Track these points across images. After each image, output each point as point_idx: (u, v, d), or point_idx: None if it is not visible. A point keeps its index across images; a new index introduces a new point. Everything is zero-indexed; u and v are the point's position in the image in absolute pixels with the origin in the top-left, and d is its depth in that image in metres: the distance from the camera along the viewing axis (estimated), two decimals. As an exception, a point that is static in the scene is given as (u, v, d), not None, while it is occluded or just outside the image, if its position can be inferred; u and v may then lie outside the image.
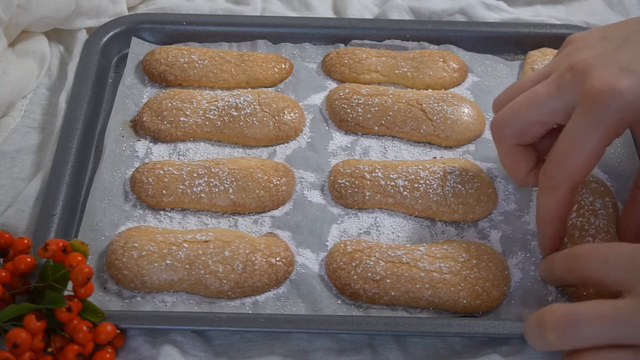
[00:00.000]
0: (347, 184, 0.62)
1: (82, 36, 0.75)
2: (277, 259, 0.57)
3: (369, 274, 0.56)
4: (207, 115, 0.67)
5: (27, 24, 0.71)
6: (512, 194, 0.63)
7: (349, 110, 0.67)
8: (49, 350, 0.51)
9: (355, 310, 0.56)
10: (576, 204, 0.57)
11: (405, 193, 0.61)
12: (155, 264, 0.56)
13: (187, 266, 0.56)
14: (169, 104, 0.67)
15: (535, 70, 0.71)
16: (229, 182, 0.62)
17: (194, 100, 0.67)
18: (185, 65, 0.70)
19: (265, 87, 0.71)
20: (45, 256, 0.52)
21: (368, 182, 0.62)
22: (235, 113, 0.66)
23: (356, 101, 0.67)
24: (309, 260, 0.59)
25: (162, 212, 0.62)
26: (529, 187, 0.56)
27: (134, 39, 0.74)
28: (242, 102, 0.67)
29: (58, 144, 0.64)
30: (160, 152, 0.66)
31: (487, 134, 0.68)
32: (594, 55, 0.50)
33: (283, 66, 0.72)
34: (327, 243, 0.60)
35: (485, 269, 0.57)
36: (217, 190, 0.61)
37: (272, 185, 0.62)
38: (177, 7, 0.79)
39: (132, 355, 0.54)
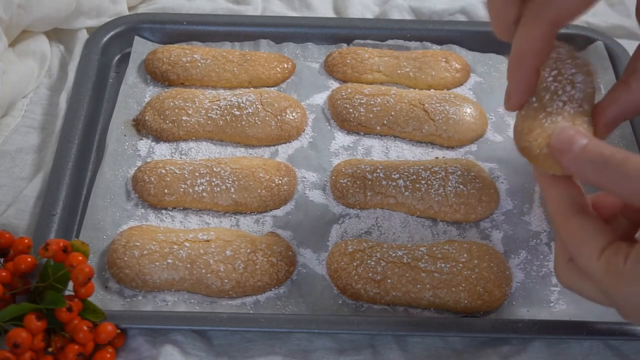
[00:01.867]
0: (349, 183, 0.62)
1: (83, 36, 0.75)
2: (279, 258, 0.57)
3: (370, 274, 0.56)
4: (209, 114, 0.67)
5: (28, 24, 0.71)
6: (514, 194, 0.63)
7: (351, 110, 0.67)
8: (50, 350, 0.51)
9: (356, 311, 0.56)
10: (556, 71, 0.51)
11: (406, 193, 0.61)
12: (157, 263, 0.56)
13: (188, 265, 0.56)
14: (171, 103, 0.67)
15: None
16: (230, 182, 0.61)
17: (196, 99, 0.67)
18: (187, 64, 0.70)
19: (267, 86, 0.71)
20: (46, 256, 0.52)
21: (370, 182, 0.62)
22: (238, 112, 0.66)
23: (358, 101, 0.67)
24: (310, 260, 0.59)
25: (163, 211, 0.62)
26: (509, 40, 0.51)
27: (136, 38, 0.74)
28: (244, 101, 0.67)
29: (58, 144, 0.64)
30: (162, 151, 0.66)
31: (490, 135, 0.68)
32: None
33: (285, 66, 0.72)
34: (328, 243, 0.60)
35: (487, 269, 0.57)
36: (218, 189, 0.61)
37: (273, 184, 0.62)
38: (177, 6, 0.79)
39: (133, 355, 0.54)
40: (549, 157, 0.45)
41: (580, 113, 0.49)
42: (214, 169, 0.62)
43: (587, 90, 0.52)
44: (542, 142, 0.46)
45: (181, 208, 0.62)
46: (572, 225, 0.45)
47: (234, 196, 0.61)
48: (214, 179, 0.62)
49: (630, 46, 0.75)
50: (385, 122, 0.67)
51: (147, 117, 0.67)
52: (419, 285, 0.56)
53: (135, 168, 0.64)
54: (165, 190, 0.61)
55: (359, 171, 0.63)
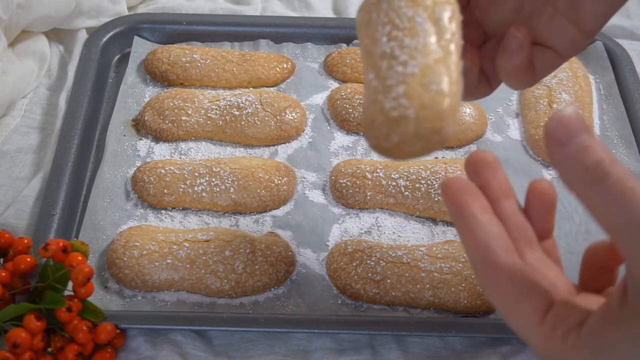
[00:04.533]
0: (349, 183, 0.62)
1: (82, 36, 0.74)
2: (278, 258, 0.57)
3: (370, 274, 0.56)
4: (208, 114, 0.67)
5: (27, 24, 0.71)
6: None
7: (350, 110, 0.67)
8: (49, 350, 0.51)
9: (355, 310, 0.56)
10: (389, 25, 0.37)
11: (406, 193, 0.61)
12: (156, 263, 0.56)
13: (187, 265, 0.56)
14: (171, 103, 0.67)
15: None
16: (230, 182, 0.61)
17: (195, 99, 0.67)
18: (187, 64, 0.70)
19: (267, 86, 0.71)
20: (46, 256, 0.52)
21: (369, 182, 0.62)
22: (237, 112, 0.66)
23: (358, 101, 0.67)
24: (310, 260, 0.59)
25: (163, 212, 0.62)
26: None
27: (136, 38, 0.74)
28: (243, 101, 0.67)
29: (58, 144, 0.64)
30: (161, 151, 0.66)
31: (489, 135, 0.68)
32: None
33: (285, 66, 0.72)
34: (328, 243, 0.60)
35: (487, 269, 0.56)
36: (218, 189, 0.61)
37: (273, 184, 0.62)
38: (177, 6, 0.79)
39: (132, 355, 0.54)
40: (405, 142, 0.34)
41: (435, 66, 0.35)
42: (214, 169, 0.62)
43: (443, 23, 0.37)
44: (390, 133, 0.34)
45: (181, 208, 0.62)
46: (500, 276, 0.34)
47: (233, 196, 0.61)
48: (214, 179, 0.62)
49: (630, 46, 0.75)
50: (384, 122, 0.67)
51: (146, 117, 0.67)
52: (418, 285, 0.56)
53: (135, 168, 0.64)
54: (165, 190, 0.61)
55: (358, 171, 0.63)
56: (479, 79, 0.44)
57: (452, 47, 0.36)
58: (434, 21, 0.37)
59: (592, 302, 0.34)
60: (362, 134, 0.68)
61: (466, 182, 0.36)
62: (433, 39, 0.36)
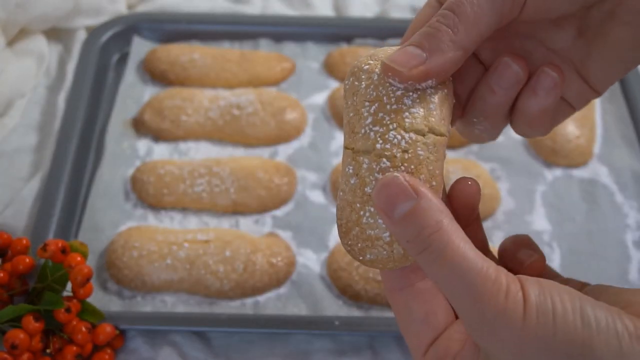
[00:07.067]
0: (349, 183, 0.62)
1: (81, 35, 0.74)
2: (278, 259, 0.57)
3: (371, 275, 0.56)
4: (208, 114, 0.66)
5: (26, 22, 0.71)
6: (516, 194, 0.63)
7: (351, 110, 0.67)
8: (48, 351, 0.51)
9: (356, 311, 0.56)
10: (376, 103, 0.34)
11: (407, 193, 0.61)
12: (156, 264, 0.56)
13: (187, 266, 0.56)
14: (170, 103, 0.67)
15: None
16: (230, 182, 0.61)
17: (195, 99, 0.67)
18: (186, 64, 0.70)
19: (267, 86, 0.71)
20: (44, 257, 0.51)
21: (370, 182, 0.62)
22: (237, 112, 0.66)
23: (358, 101, 0.67)
24: (310, 261, 0.59)
25: (162, 212, 0.62)
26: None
27: (135, 38, 0.74)
28: (243, 101, 0.67)
29: (57, 144, 0.64)
30: (161, 151, 0.66)
31: (490, 134, 0.68)
32: None
33: (285, 65, 0.72)
34: (328, 243, 0.60)
35: (488, 269, 0.56)
36: (218, 189, 0.61)
37: (273, 185, 0.62)
38: (176, 5, 0.79)
39: (132, 357, 0.54)
40: (377, 261, 0.33)
41: (418, 167, 0.32)
42: (213, 169, 0.62)
43: (431, 117, 0.33)
44: (364, 248, 0.33)
45: (180, 208, 0.62)
46: (399, 302, 0.35)
47: (233, 196, 0.61)
48: (213, 179, 0.61)
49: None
50: (385, 121, 0.66)
51: (146, 117, 0.66)
52: (419, 286, 0.55)
53: (134, 168, 0.64)
54: (164, 191, 0.61)
55: (359, 171, 0.62)
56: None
57: (440, 143, 0.33)
58: (425, 103, 0.33)
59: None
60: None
61: None
62: (420, 137, 0.33)
